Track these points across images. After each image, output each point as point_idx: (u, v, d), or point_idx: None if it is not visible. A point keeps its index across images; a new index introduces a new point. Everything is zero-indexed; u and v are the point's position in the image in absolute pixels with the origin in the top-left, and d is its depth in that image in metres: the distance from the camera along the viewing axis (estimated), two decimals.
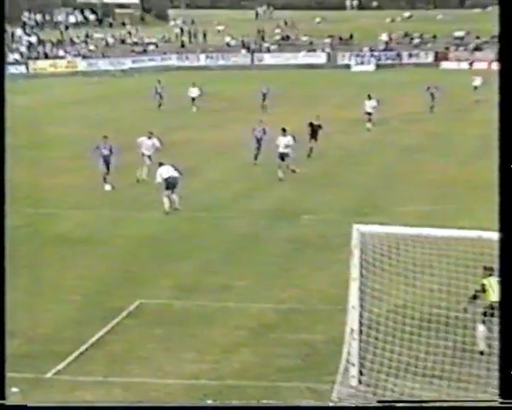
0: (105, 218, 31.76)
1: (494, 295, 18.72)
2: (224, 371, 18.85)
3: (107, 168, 36.24)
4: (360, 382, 17.61)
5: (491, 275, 19.10)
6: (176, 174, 31.75)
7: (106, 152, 36.02)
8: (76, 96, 72.30)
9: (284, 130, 39.15)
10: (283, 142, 38.46)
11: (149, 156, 37.60)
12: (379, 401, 12.71)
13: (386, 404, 11.41)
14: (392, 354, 18.08)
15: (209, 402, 13.79)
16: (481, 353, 18.60)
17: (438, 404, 10.72)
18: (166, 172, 31.65)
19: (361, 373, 17.80)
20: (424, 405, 10.11)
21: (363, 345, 17.87)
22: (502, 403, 9.24)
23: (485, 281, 19.09)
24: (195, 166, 40.52)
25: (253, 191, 35.65)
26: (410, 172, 39.16)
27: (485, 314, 18.91)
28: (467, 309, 19.20)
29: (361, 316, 17.84)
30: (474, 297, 19.06)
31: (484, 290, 19.02)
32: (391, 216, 25.27)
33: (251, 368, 18.93)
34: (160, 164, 32.41)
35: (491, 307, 18.76)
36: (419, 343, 18.33)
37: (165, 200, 31.69)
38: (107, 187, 36.05)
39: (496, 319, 18.66)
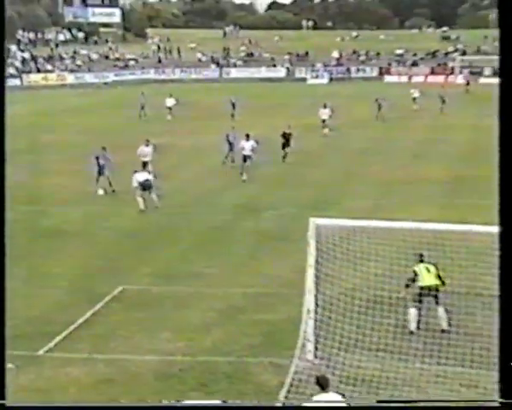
0: (91, 213, 31.78)
1: (424, 280, 19.03)
2: (197, 348, 18.92)
3: (101, 174, 35.27)
4: (316, 356, 17.81)
5: (421, 261, 19.41)
6: (150, 177, 32.00)
7: (102, 162, 35.15)
8: (65, 105, 72.09)
9: (247, 135, 39.40)
10: (246, 146, 38.79)
11: (147, 162, 35.95)
12: (378, 401, 13.01)
13: (387, 404, 10.96)
14: (342, 331, 18.31)
15: (209, 402, 13.43)
16: (411, 332, 18.82)
17: (438, 404, 10.45)
18: (141, 176, 31.91)
19: (316, 348, 17.98)
20: (424, 405, 10.23)
21: (318, 324, 18.05)
22: (502, 403, 8.49)
23: (415, 268, 19.33)
24: (172, 167, 40.66)
25: (222, 189, 35.84)
26: (359, 172, 39.43)
27: (415, 299, 19.14)
28: (404, 293, 19.48)
29: (316, 298, 18.05)
30: (407, 286, 19.37)
31: (415, 276, 19.27)
32: (342, 210, 25.53)
33: (221, 345, 19.04)
34: (135, 171, 32.50)
35: (421, 291, 19.12)
36: (366, 322, 18.58)
37: (140, 200, 31.81)
38: (100, 191, 35.06)
39: (426, 302, 19.15)
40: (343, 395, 13.60)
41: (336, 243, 18.38)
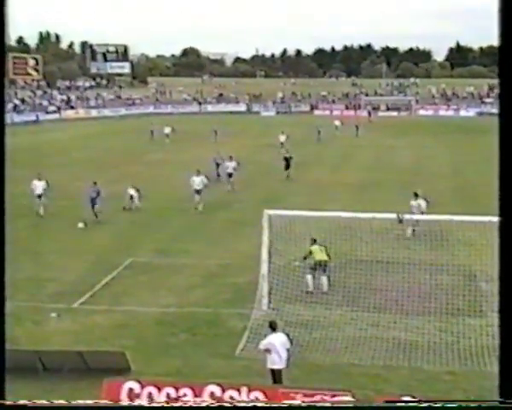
0: (110, 208, 31.38)
1: (318, 255, 18.96)
2: (185, 302, 18.85)
3: (92, 208, 28.51)
4: (269, 307, 17.73)
5: (315, 243, 19.20)
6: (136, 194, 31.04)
7: (94, 195, 28.62)
8: (90, 132, 71.37)
9: (231, 157, 37.00)
10: (230, 165, 36.25)
11: (132, 197, 31.13)
12: (386, 401, 12.18)
13: (387, 404, 9.29)
14: (287, 289, 18.28)
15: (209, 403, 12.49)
16: (311, 292, 18.64)
17: (438, 404, 10.49)
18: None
19: (269, 302, 17.89)
20: (424, 405, 9.10)
21: (270, 284, 17.99)
22: (502, 403, 6.96)
23: (311, 248, 19.15)
24: (168, 175, 40.18)
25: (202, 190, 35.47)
26: (299, 177, 39.26)
27: (312, 268, 19.01)
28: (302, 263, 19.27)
29: (269, 266, 17.94)
30: (304, 258, 19.18)
31: (311, 253, 19.11)
32: (286, 204, 25.30)
33: (202, 300, 18.96)
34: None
35: (317, 263, 19.01)
36: (302, 282, 18.58)
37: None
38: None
39: (321, 271, 19.07)
40: (287, 335, 13.48)
41: (282, 227, 18.31)
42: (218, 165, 38.42)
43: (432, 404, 10.27)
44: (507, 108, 6.23)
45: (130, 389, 12.85)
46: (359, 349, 15.32)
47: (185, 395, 12.67)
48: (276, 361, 13.07)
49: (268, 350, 13.15)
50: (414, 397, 12.00)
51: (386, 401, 10.72)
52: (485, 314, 17.20)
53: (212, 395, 12.59)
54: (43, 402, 7.64)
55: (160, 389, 12.78)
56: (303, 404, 11.65)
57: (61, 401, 9.01)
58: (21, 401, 6.80)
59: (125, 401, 12.37)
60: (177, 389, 12.74)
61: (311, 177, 39.67)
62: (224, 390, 12.62)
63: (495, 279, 19.50)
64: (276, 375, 13.16)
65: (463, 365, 14.57)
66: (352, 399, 12.24)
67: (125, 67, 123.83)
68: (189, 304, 18.61)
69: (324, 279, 19.00)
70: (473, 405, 8.89)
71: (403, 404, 8.93)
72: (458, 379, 13.99)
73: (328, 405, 7.91)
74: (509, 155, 6.22)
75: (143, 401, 12.40)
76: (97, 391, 12.92)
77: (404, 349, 15.29)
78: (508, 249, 6.24)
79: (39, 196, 29.27)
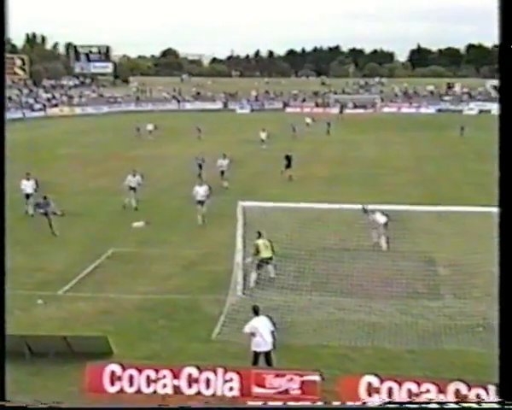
0: (92, 200, 31.12)
1: (263, 252, 18.62)
2: (165, 289, 18.76)
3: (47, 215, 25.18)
4: (243, 293, 17.72)
5: (259, 237, 18.75)
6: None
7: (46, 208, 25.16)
8: (74, 129, 70.68)
9: (224, 155, 35.32)
10: (224, 163, 34.72)
11: (134, 188, 29.29)
12: (386, 403, 11.79)
13: (387, 405, 9.67)
14: (260, 276, 18.31)
15: (209, 403, 12.17)
16: (251, 289, 18.20)
17: (439, 406, 10.24)
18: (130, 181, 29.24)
19: (244, 288, 17.90)
20: (424, 405, 9.38)
21: (244, 271, 18.00)
22: (502, 403, 6.89)
23: (256, 242, 18.66)
24: (149, 168, 39.76)
25: (183, 183, 35.08)
26: (273, 172, 39.08)
27: (258, 265, 18.63)
28: (250, 261, 18.58)
29: (243, 255, 17.93)
30: (255, 254, 18.62)
31: (256, 248, 18.60)
32: (260, 197, 25.31)
33: (181, 288, 18.85)
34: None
35: (262, 260, 18.62)
36: (275, 269, 18.58)
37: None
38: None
39: (266, 267, 18.54)
40: (270, 318, 13.42)
41: (256, 218, 18.26)
42: (200, 166, 36.86)
43: (432, 405, 10.27)
44: (507, 109, 6.07)
45: (112, 372, 12.84)
46: (327, 332, 15.39)
47: (164, 377, 12.68)
48: (261, 344, 13.02)
49: (252, 333, 13.15)
50: (377, 375, 12.14)
51: (387, 403, 10.73)
52: (443, 297, 17.43)
53: (189, 376, 12.61)
54: (44, 403, 7.53)
55: (140, 372, 12.78)
56: (303, 404, 11.76)
57: (62, 402, 8.95)
58: (21, 402, 6.65)
59: (125, 402, 12.32)
60: (156, 372, 12.74)
61: (287, 171, 39.46)
62: (200, 372, 12.65)
63: (452, 264, 19.79)
64: (266, 357, 13.05)
65: (422, 344, 14.71)
66: (320, 378, 12.33)
67: (108, 67, 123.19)
68: (168, 291, 18.51)
69: (270, 267, 18.65)
70: (473, 405, 9.05)
71: (402, 405, 9.20)
72: (417, 357, 14.12)
73: (328, 405, 7.39)
74: (508, 154, 6.07)
75: (143, 402, 12.30)
76: (81, 374, 12.90)
77: (368, 331, 15.41)
78: (508, 249, 6.50)
79: (27, 196, 27.97)
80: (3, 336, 6.60)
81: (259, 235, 18.83)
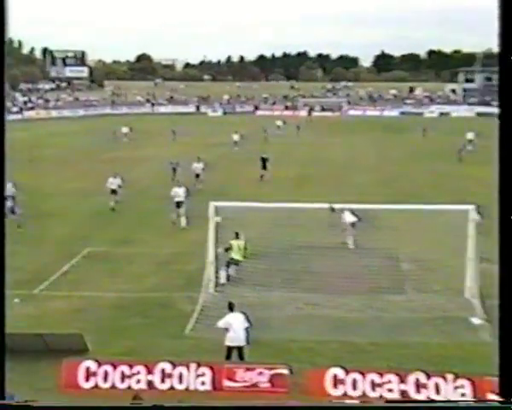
0: (69, 202, 30.72)
1: (234, 253, 18.62)
2: (140, 288, 18.64)
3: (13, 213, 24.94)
4: (216, 291, 17.66)
5: (236, 238, 18.78)
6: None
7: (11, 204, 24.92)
8: (51, 131, 69.63)
9: (199, 158, 34.75)
10: (198, 166, 34.17)
11: (115, 191, 28.97)
12: (387, 401, 11.01)
13: (387, 405, 9.20)
14: (232, 273, 18.25)
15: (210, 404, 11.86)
16: (223, 284, 18.11)
17: (438, 405, 9.83)
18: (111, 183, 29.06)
19: (216, 285, 17.84)
20: (424, 405, 8.90)
21: (216, 269, 17.94)
22: (502, 403, 6.56)
23: (231, 242, 18.66)
24: (125, 170, 39.19)
25: (158, 185, 34.76)
26: (244, 172, 39.00)
27: (227, 265, 18.62)
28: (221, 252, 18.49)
29: (215, 253, 17.85)
30: (226, 250, 18.63)
31: (230, 247, 18.59)
32: (235, 197, 25.08)
33: (156, 286, 18.76)
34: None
35: (231, 261, 18.63)
36: (246, 267, 18.54)
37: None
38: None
39: (233, 266, 18.54)
40: (245, 315, 13.35)
41: (228, 217, 18.17)
42: (174, 169, 35.94)
43: (431, 404, 9.95)
44: (507, 109, 5.98)
45: (88, 368, 12.70)
46: (297, 326, 15.42)
47: (138, 373, 12.57)
48: (234, 339, 12.99)
49: (226, 329, 13.09)
50: (343, 368, 12.19)
51: (387, 401, 10.74)
52: (406, 291, 17.59)
53: (163, 371, 12.52)
54: (44, 402, 7.34)
55: (115, 368, 12.66)
56: (303, 404, 11.52)
57: (62, 401, 8.79)
58: (22, 401, 6.45)
59: (126, 402, 12.05)
60: (131, 367, 12.64)
61: (254, 172, 39.29)
62: (174, 367, 12.56)
63: (415, 260, 19.96)
64: (239, 352, 13.01)
65: (386, 336, 14.80)
66: (288, 371, 12.33)
67: (83, 72, 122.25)
68: (142, 289, 18.38)
69: (233, 268, 18.59)
70: (473, 405, 8.77)
71: (403, 404, 8.98)
72: (381, 349, 14.20)
73: (327, 405, 7.28)
74: (508, 155, 5.96)
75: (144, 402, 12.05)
76: (56, 371, 12.72)
77: (335, 325, 15.48)
78: (508, 251, 6.09)
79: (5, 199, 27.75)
80: (3, 336, 6.42)
81: (237, 236, 18.80)
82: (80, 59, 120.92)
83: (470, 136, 51.90)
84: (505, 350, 6.24)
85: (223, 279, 18.39)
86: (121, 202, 29.41)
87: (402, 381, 11.92)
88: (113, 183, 29.08)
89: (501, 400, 6.31)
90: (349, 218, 21.51)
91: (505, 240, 6.35)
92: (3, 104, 6.26)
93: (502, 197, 6.16)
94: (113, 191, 28.97)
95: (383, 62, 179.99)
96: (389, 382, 11.94)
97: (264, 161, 37.37)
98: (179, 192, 25.91)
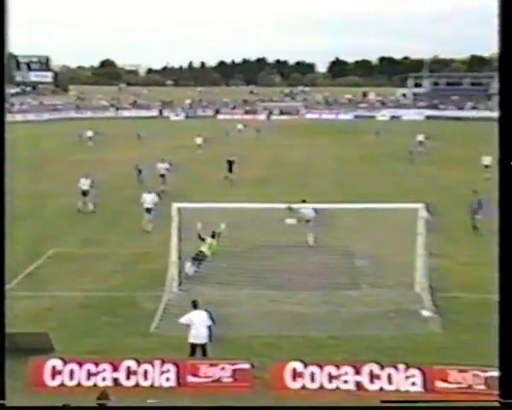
0: (35, 203, 30.08)
1: (204, 247, 18.70)
2: (106, 287, 18.40)
3: None
4: (180, 289, 17.54)
5: (213, 237, 18.89)
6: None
7: None
8: (16, 135, 67.75)
9: (162, 159, 34.31)
10: (162, 166, 33.74)
11: (87, 191, 28.73)
12: (382, 401, 10.65)
13: (387, 404, 9.04)
14: (195, 273, 18.17)
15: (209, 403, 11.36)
16: (189, 277, 18.19)
17: (438, 404, 9.78)
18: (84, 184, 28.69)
19: (180, 284, 17.72)
20: (424, 405, 8.87)
21: (179, 268, 17.82)
22: (502, 403, 6.41)
23: (208, 238, 18.76)
24: (90, 172, 38.56)
25: (124, 186, 34.41)
26: (206, 175, 38.89)
27: (193, 258, 18.63)
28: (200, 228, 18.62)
29: (178, 253, 17.73)
30: (202, 240, 18.69)
31: (204, 240, 18.68)
32: (199, 198, 25.07)
33: (121, 285, 18.52)
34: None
35: (199, 254, 18.67)
36: (208, 266, 18.47)
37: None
38: None
39: (199, 261, 18.60)
40: (209, 313, 13.25)
41: (189, 218, 18.09)
42: (139, 171, 35.61)
43: (431, 404, 9.96)
44: (507, 111, 6.07)
45: (54, 367, 12.49)
46: (258, 323, 15.40)
47: (104, 371, 12.41)
48: (196, 336, 12.88)
49: (188, 325, 13.00)
50: (302, 361, 12.25)
51: (383, 401, 10.43)
52: (361, 287, 17.77)
53: (128, 369, 12.39)
54: (44, 403, 7.07)
55: (81, 366, 12.48)
56: (303, 404, 11.33)
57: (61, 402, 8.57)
58: (21, 402, 6.21)
59: (126, 402, 11.86)
60: (96, 365, 12.47)
61: (217, 174, 39.21)
62: (139, 364, 12.44)
63: (369, 257, 20.18)
64: (202, 349, 12.89)
65: (343, 330, 14.93)
66: (250, 366, 12.34)
67: (48, 77, 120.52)
68: (109, 289, 18.14)
69: (188, 265, 18.59)
70: (473, 405, 8.66)
71: (402, 404, 8.89)
72: (338, 343, 14.30)
73: (327, 405, 7.22)
74: (508, 157, 5.86)
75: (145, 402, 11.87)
76: (23, 369, 12.47)
77: (295, 321, 15.53)
78: (508, 251, 6.16)
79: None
80: (3, 336, 6.23)
81: (213, 235, 18.83)
82: (45, 64, 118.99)
83: (420, 138, 52.90)
84: (505, 350, 6.19)
85: (190, 272, 18.38)
86: (88, 204, 29.02)
87: (357, 372, 12.05)
88: (85, 183, 28.66)
89: (501, 400, 6.31)
90: (308, 216, 21.69)
91: (505, 240, 6.13)
92: (3, 105, 6.13)
93: (502, 197, 6.07)
94: (85, 192, 28.55)
95: (338, 68, 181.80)
96: (345, 373, 12.06)
97: (230, 163, 37.13)
98: (147, 199, 25.15)
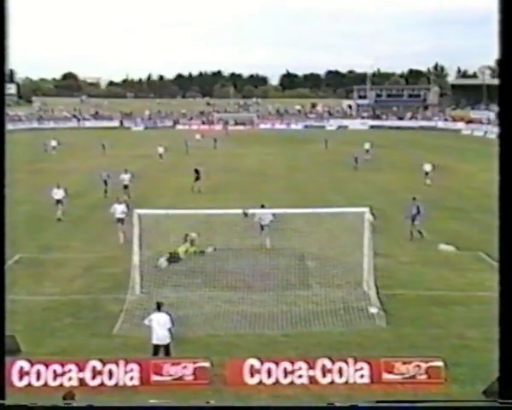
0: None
1: (180, 249, 18.91)
2: (69, 291, 18.09)
3: None
4: (141, 292, 17.35)
5: (192, 243, 19.07)
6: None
7: None
8: None
9: (126, 170, 33.15)
10: (126, 177, 32.68)
11: (60, 201, 27.73)
12: (378, 401, 10.16)
13: (387, 404, 8.24)
14: (156, 276, 18.03)
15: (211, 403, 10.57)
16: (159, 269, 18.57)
17: (438, 404, 9.19)
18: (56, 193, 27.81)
19: (141, 287, 17.53)
20: (424, 405, 8.24)
21: (141, 272, 17.61)
22: (502, 403, 6.04)
23: (187, 241, 19.01)
24: (54, 181, 37.64)
25: (85, 193, 33.77)
26: (168, 182, 38.51)
27: (169, 256, 18.92)
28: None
29: (139, 257, 17.51)
30: (186, 241, 19.03)
31: (185, 241, 19.00)
32: (160, 205, 24.75)
33: (83, 289, 18.25)
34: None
35: (173, 253, 19.08)
36: (168, 269, 18.33)
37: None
38: None
39: (174, 260, 18.95)
40: (170, 315, 13.05)
41: (150, 223, 17.94)
42: (105, 182, 33.99)
43: (430, 404, 9.08)
44: (507, 112, 5.84)
45: (21, 368, 12.20)
46: (215, 322, 15.37)
47: (70, 371, 12.20)
48: (157, 338, 12.73)
49: (149, 326, 12.85)
50: (258, 358, 12.30)
51: (378, 401, 9.98)
52: (311, 287, 17.94)
53: (93, 369, 12.20)
54: (44, 403, 6.81)
55: (47, 367, 12.23)
56: (303, 404, 10.99)
57: (62, 402, 8.31)
58: (21, 402, 6.03)
59: (126, 402, 11.53)
60: (62, 366, 12.24)
61: (180, 181, 38.94)
62: (104, 364, 12.27)
63: (318, 258, 20.29)
64: (165, 350, 12.74)
65: (295, 328, 15.06)
66: (210, 364, 12.31)
67: (11, 88, 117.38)
68: (71, 292, 17.84)
69: (162, 260, 19.12)
70: (472, 405, 7.88)
71: (402, 404, 8.33)
72: (291, 340, 14.40)
73: (327, 405, 7.10)
74: (508, 160, 5.77)
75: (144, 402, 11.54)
76: None
77: (250, 320, 15.55)
78: (508, 251, 5.82)
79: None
80: (3, 336, 5.96)
81: (192, 242, 19.22)
82: (8, 76, 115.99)
83: (367, 146, 53.85)
84: (505, 350, 5.90)
85: (162, 266, 18.74)
86: (51, 211, 28.38)
87: (310, 367, 12.17)
88: (58, 193, 27.91)
89: (501, 400, 6.05)
90: (262, 221, 21.81)
91: (505, 240, 5.90)
92: (3, 107, 5.90)
93: (502, 197, 5.84)
94: (58, 201, 27.78)
95: (288, 81, 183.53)
96: (300, 369, 12.16)
97: (197, 172, 36.36)
98: (118, 209, 23.86)
